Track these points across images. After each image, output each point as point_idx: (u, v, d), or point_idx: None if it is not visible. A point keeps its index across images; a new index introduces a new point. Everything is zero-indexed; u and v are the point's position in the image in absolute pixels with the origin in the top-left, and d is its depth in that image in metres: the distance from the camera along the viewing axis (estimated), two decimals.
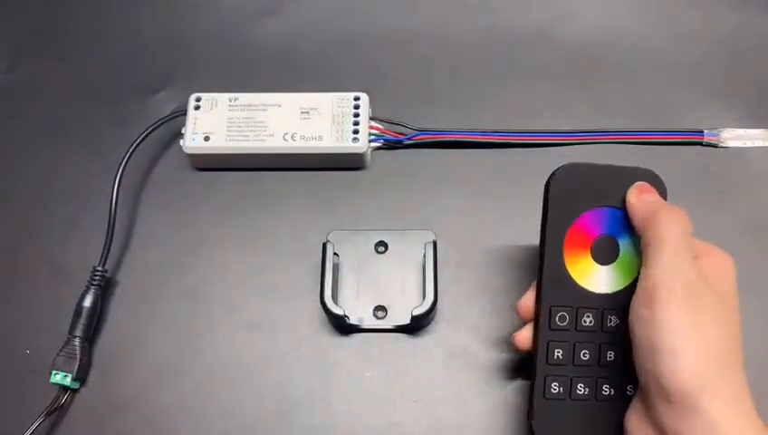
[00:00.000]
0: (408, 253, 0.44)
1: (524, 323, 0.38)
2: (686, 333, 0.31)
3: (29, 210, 0.48)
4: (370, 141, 0.48)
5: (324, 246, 0.43)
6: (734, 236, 0.45)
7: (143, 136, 0.46)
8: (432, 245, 0.43)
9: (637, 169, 0.36)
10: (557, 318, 0.36)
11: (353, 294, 0.43)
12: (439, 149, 0.48)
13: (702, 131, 0.48)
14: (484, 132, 0.48)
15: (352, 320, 0.42)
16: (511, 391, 0.41)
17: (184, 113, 0.47)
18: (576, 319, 0.36)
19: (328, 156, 0.47)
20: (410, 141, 0.48)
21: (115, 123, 0.50)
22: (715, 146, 0.48)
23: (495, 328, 0.43)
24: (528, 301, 0.37)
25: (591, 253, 0.36)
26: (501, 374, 0.42)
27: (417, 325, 0.42)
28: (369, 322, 0.42)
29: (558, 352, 0.36)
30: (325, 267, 0.42)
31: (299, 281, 0.45)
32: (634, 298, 0.33)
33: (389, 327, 0.43)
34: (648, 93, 0.50)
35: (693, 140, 0.48)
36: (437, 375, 0.42)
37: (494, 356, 0.42)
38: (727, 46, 0.52)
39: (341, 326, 0.43)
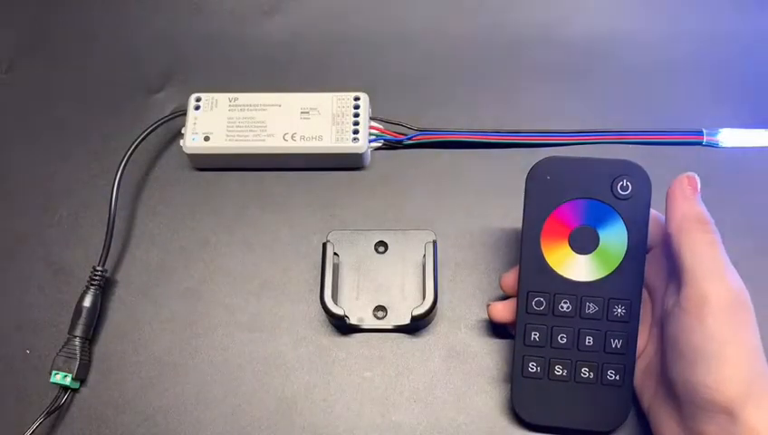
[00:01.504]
0: (408, 253, 0.44)
1: (508, 297, 0.40)
2: (734, 343, 0.32)
3: (29, 210, 0.48)
4: (370, 141, 0.48)
5: (324, 246, 0.43)
6: (734, 236, 0.45)
7: (143, 136, 0.46)
8: (432, 245, 0.43)
9: (619, 161, 0.37)
10: (534, 303, 0.38)
11: (353, 294, 0.43)
12: (439, 150, 0.48)
13: (702, 131, 0.48)
14: (484, 132, 0.48)
15: (352, 320, 0.42)
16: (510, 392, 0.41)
17: (184, 113, 0.47)
18: (553, 304, 0.37)
19: (328, 156, 0.47)
20: (410, 141, 0.48)
21: (115, 123, 0.50)
22: (715, 146, 0.48)
23: (495, 328, 0.43)
24: (511, 277, 0.39)
25: (569, 242, 0.38)
26: (501, 374, 0.42)
27: (417, 325, 0.42)
28: (369, 322, 0.42)
29: (535, 334, 0.38)
30: (325, 267, 0.42)
31: (299, 281, 0.45)
32: (676, 309, 0.34)
33: (389, 327, 0.43)
34: (648, 93, 0.50)
35: (693, 139, 0.48)
36: (437, 375, 0.42)
37: (494, 356, 0.42)
38: (727, 46, 0.52)
39: (341, 326, 0.43)
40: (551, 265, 0.37)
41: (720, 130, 0.48)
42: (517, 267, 0.39)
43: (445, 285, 0.44)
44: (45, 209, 0.48)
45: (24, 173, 0.49)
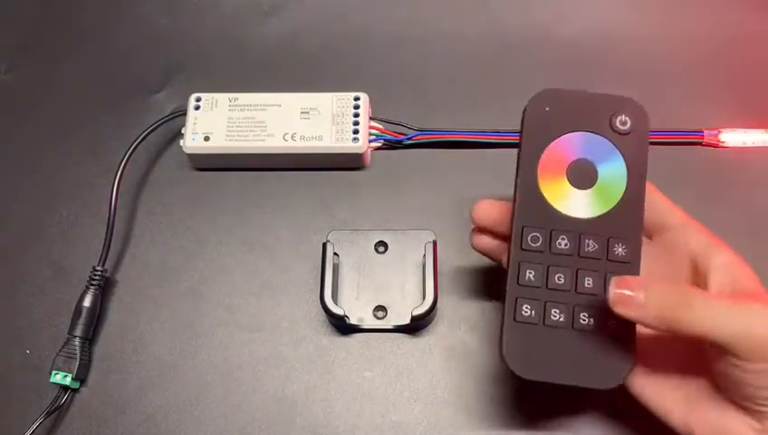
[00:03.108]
0: (408, 253, 0.44)
1: (475, 226, 0.38)
2: None
3: (29, 210, 0.48)
4: (370, 141, 0.48)
5: (324, 246, 0.43)
6: (734, 236, 0.45)
7: (143, 136, 0.46)
8: (432, 245, 0.43)
9: (617, 97, 0.36)
10: (529, 238, 0.35)
11: (353, 294, 0.43)
12: (439, 150, 0.48)
13: (702, 131, 0.48)
14: (484, 132, 0.48)
15: (352, 320, 0.42)
16: (511, 391, 0.41)
17: (184, 113, 0.47)
18: (550, 241, 0.35)
19: (328, 156, 0.47)
20: (410, 141, 0.48)
21: (115, 123, 0.50)
22: (715, 146, 0.48)
23: (495, 328, 0.43)
24: (485, 204, 0.37)
25: (567, 176, 0.35)
26: (501, 374, 0.42)
27: (417, 325, 0.42)
28: (369, 322, 0.42)
29: (530, 273, 0.34)
30: (325, 267, 0.42)
31: (299, 281, 0.45)
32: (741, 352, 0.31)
33: (389, 327, 0.43)
34: (648, 93, 0.50)
35: (693, 139, 0.48)
36: (437, 375, 0.42)
37: (494, 356, 0.42)
38: (727, 46, 0.52)
39: (341, 326, 0.43)
40: (548, 199, 0.35)
41: (720, 130, 0.48)
42: (496, 201, 0.37)
43: (445, 285, 0.44)
44: (45, 209, 0.48)
45: (25, 173, 0.49)
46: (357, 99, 0.47)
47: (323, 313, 0.42)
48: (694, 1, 0.53)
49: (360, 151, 0.46)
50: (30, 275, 0.46)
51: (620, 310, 0.31)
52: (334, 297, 0.42)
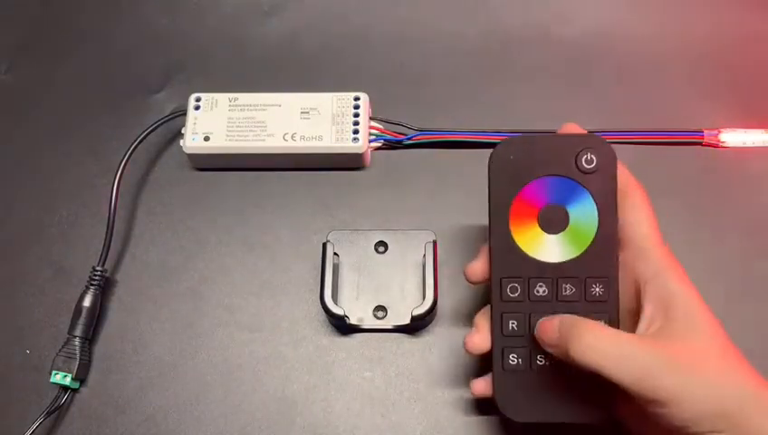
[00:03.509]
0: (408, 253, 0.44)
1: (472, 284, 0.38)
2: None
3: (29, 210, 0.48)
4: (370, 141, 0.48)
5: (324, 246, 0.43)
6: (734, 236, 0.45)
7: (143, 136, 0.46)
8: (432, 245, 0.43)
9: (581, 135, 0.36)
10: (508, 289, 0.36)
11: (353, 294, 0.43)
12: (439, 149, 0.48)
13: (702, 131, 0.48)
14: (484, 132, 0.48)
15: (352, 320, 0.42)
16: None
17: (184, 113, 0.47)
18: (528, 289, 0.35)
19: (328, 156, 0.47)
20: (410, 141, 0.48)
21: (115, 123, 0.50)
22: (715, 146, 0.48)
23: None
24: (476, 265, 0.37)
25: (539, 222, 0.36)
26: None
27: (417, 325, 0.42)
28: (369, 322, 0.42)
29: (512, 323, 0.36)
30: (325, 267, 0.42)
31: (299, 281, 0.45)
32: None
33: (389, 327, 0.43)
34: (647, 93, 0.50)
35: (693, 139, 0.48)
36: (437, 375, 0.42)
37: None
38: (727, 46, 0.52)
39: (341, 326, 0.43)
40: (522, 248, 0.36)
41: (720, 130, 0.48)
42: (483, 255, 0.37)
43: (445, 285, 0.44)
44: (45, 209, 0.48)
45: (25, 173, 0.49)
46: (357, 99, 0.47)
47: (323, 313, 0.42)
48: (694, 1, 0.53)
49: (360, 151, 0.46)
50: (30, 275, 0.46)
51: (544, 347, 0.34)
52: (334, 297, 0.42)
